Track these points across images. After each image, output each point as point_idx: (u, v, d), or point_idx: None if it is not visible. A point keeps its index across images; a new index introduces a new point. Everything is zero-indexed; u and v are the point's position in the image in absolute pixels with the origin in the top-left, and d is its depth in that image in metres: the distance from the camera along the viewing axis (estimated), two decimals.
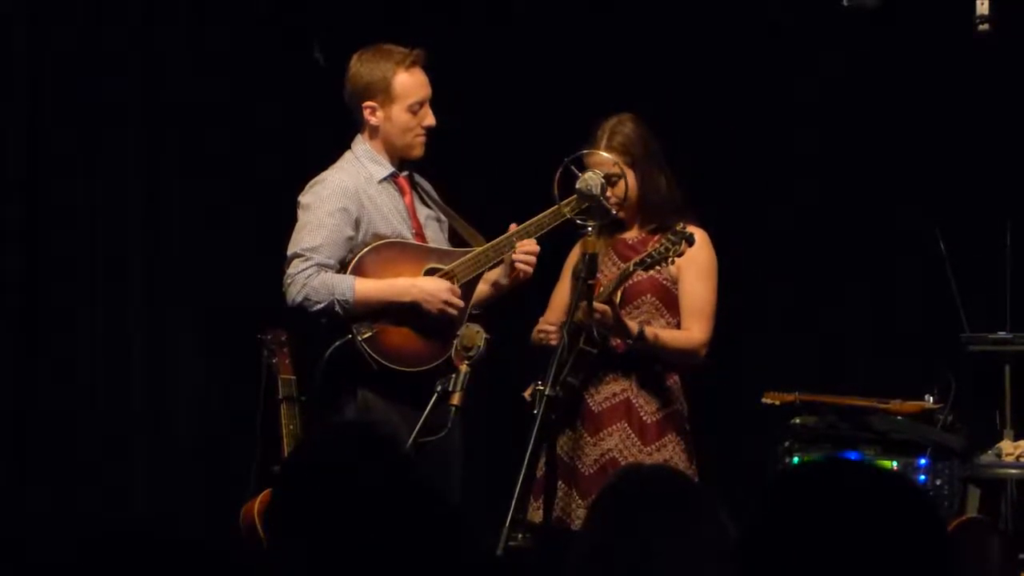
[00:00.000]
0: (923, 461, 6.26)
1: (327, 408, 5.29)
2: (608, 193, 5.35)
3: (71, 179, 6.52)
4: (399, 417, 5.14)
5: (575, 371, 5.29)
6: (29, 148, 6.42)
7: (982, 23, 6.27)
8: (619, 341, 5.39)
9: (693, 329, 5.43)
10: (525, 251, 5.38)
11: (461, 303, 5.33)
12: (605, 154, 5.39)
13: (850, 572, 2.24)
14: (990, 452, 6.34)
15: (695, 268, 5.45)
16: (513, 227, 5.43)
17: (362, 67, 5.41)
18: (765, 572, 2.28)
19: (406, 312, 5.29)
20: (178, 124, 6.76)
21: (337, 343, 5.27)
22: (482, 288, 5.50)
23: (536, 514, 5.32)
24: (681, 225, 5.25)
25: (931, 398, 6.35)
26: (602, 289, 5.30)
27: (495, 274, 5.47)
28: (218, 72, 6.83)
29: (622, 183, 5.40)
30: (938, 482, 6.24)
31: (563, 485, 5.37)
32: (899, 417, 6.34)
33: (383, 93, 5.38)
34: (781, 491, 2.33)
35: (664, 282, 5.45)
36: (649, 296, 5.44)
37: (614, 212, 5.37)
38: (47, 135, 6.47)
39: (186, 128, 6.78)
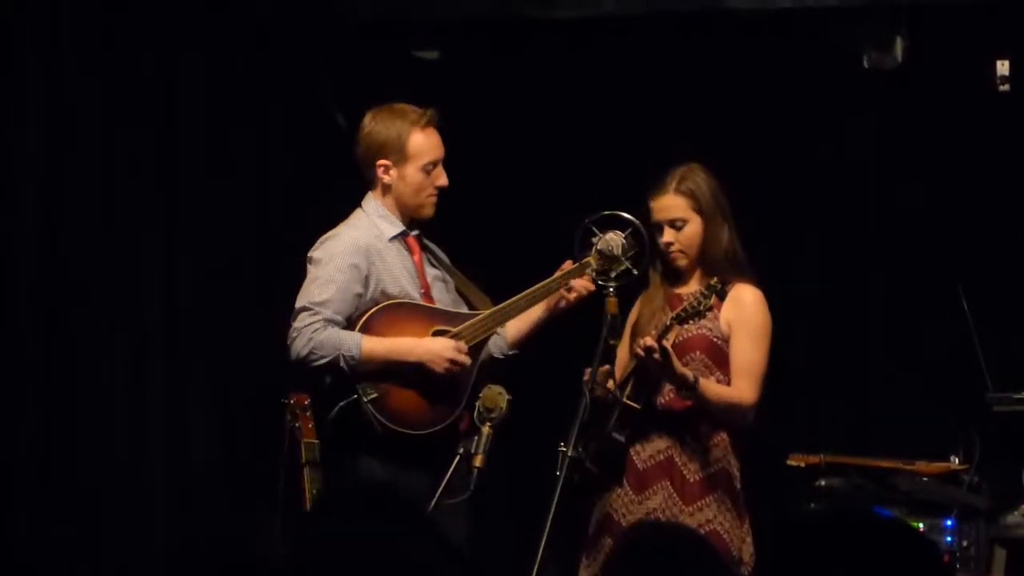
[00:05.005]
0: (949, 522, 6.23)
1: (331, 470, 5.26)
2: (671, 239, 5.33)
3: (88, 234, 6.44)
4: (402, 481, 5.10)
5: (620, 427, 5.26)
6: (43, 199, 6.35)
7: (1003, 83, 6.29)
8: (665, 398, 5.34)
9: (744, 389, 5.35)
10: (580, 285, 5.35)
11: (467, 360, 5.29)
12: (675, 197, 5.35)
13: None
14: (1016, 512, 6.31)
15: (747, 328, 5.38)
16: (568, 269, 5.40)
17: (377, 125, 5.41)
18: None
19: (412, 373, 5.26)
20: (196, 182, 6.70)
21: (342, 403, 5.25)
22: (529, 316, 5.44)
23: (586, 572, 5.33)
24: (716, 280, 5.20)
25: (956, 459, 6.33)
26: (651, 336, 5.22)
27: (550, 300, 5.40)
28: (234, 123, 6.78)
29: (687, 229, 5.37)
30: (964, 543, 6.21)
31: (610, 542, 5.30)
32: (924, 478, 6.31)
33: (397, 152, 5.38)
34: (784, 541, 2.32)
35: (715, 340, 5.37)
36: (698, 353, 5.35)
37: (635, 272, 5.34)
38: (62, 187, 6.38)
39: (204, 186, 6.72)
